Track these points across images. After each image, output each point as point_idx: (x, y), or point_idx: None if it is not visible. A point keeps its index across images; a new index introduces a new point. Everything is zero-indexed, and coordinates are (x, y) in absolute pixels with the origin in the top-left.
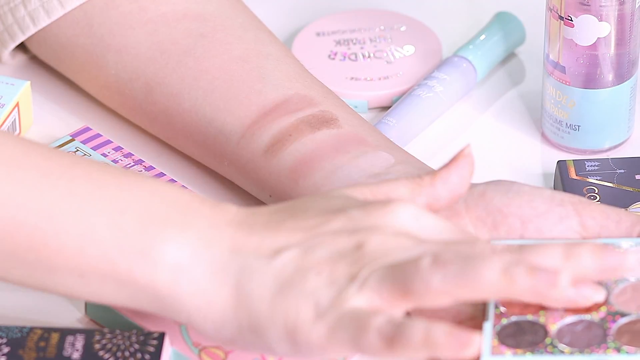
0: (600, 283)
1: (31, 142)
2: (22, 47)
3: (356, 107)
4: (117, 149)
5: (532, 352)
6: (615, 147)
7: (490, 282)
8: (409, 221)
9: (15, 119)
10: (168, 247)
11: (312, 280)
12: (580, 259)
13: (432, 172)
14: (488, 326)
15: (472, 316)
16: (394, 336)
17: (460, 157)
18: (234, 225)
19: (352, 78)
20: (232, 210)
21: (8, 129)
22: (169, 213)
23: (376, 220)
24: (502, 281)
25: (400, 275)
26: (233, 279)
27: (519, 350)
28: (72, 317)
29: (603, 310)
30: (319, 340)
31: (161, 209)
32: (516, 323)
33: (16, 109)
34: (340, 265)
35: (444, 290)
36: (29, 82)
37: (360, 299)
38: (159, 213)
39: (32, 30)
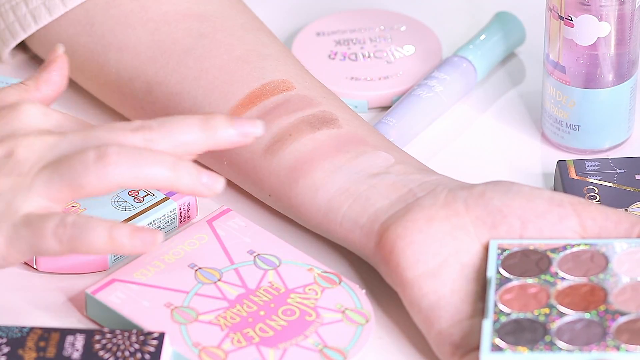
0: (599, 283)
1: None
2: (22, 46)
3: (356, 107)
4: None
5: (532, 349)
6: (615, 147)
7: (161, 178)
8: (41, 119)
9: None
10: None
11: None
12: (217, 130)
13: (34, 77)
14: (487, 324)
15: (471, 314)
16: (73, 237)
17: (55, 59)
18: None
19: (352, 78)
20: None
21: None
22: None
23: (12, 125)
24: (170, 174)
25: (68, 173)
26: None
27: (518, 348)
28: (72, 317)
29: (602, 309)
30: (0, 250)
31: None
32: (515, 321)
33: None
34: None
35: (118, 181)
36: None
37: (29, 205)
38: None
39: (33, 28)
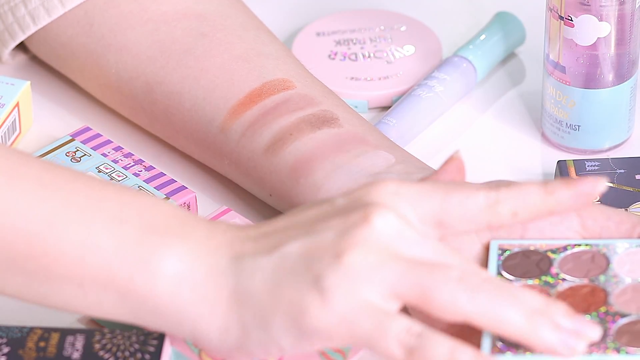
0: (599, 284)
1: (31, 156)
2: (22, 47)
3: (356, 107)
4: (117, 148)
5: (532, 352)
6: (615, 147)
7: (515, 325)
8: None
9: (15, 119)
10: (168, 256)
11: (319, 267)
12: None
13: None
14: None
15: None
16: (414, 348)
17: (450, 161)
18: (230, 233)
19: (352, 78)
20: (226, 224)
21: (8, 129)
22: (168, 224)
23: (368, 198)
24: (527, 327)
25: (426, 280)
26: (233, 281)
27: (519, 350)
28: (72, 317)
29: (603, 310)
30: (328, 328)
31: (161, 220)
32: None
33: (16, 109)
34: (343, 245)
35: (467, 312)
36: (29, 82)
37: (374, 292)
38: (159, 224)
39: (32, 29)
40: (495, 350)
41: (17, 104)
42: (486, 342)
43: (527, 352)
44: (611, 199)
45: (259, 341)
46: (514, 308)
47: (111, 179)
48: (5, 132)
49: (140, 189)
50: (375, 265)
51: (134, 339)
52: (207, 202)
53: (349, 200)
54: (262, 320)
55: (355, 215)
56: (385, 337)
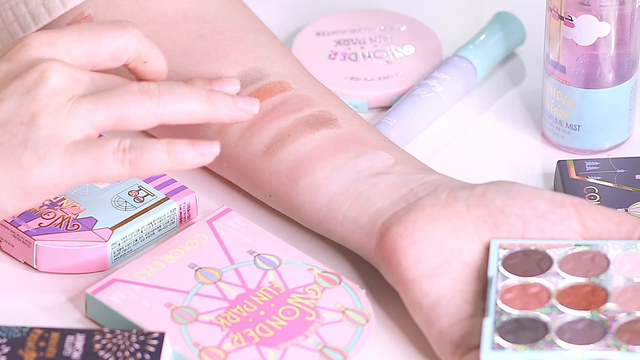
0: (600, 283)
1: None
2: None
3: (356, 107)
4: None
5: (532, 348)
6: (615, 147)
7: (199, 109)
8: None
9: None
10: None
11: (18, 131)
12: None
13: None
14: (488, 322)
15: (472, 314)
16: (134, 158)
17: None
18: None
19: (352, 78)
20: None
21: None
22: None
23: (31, 56)
24: (209, 108)
25: (115, 102)
26: None
27: (519, 347)
28: (72, 317)
29: (603, 309)
30: (52, 179)
31: None
32: (516, 319)
33: None
34: (34, 106)
35: (162, 114)
36: None
37: (75, 132)
38: None
39: (32, 29)
40: (495, 347)
41: None
42: (486, 339)
43: (527, 348)
44: (611, 199)
45: None
46: (194, 98)
47: None
48: None
49: (140, 188)
50: (68, 112)
51: (134, 339)
52: (207, 202)
53: (15, 63)
54: None
55: (30, 77)
56: (104, 161)
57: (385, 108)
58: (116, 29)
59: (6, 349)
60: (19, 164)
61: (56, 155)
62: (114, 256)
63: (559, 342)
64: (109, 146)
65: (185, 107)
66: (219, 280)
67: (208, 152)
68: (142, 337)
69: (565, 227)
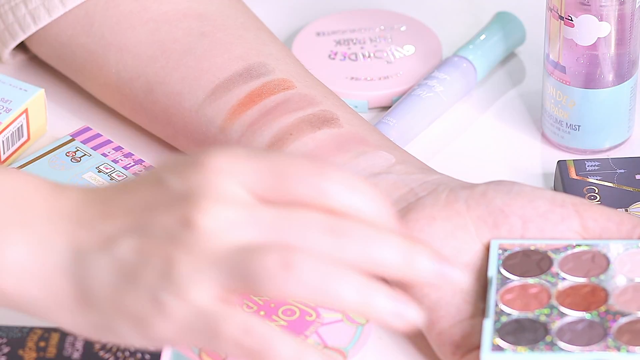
0: (600, 283)
1: None
2: (22, 47)
3: (356, 107)
4: (117, 149)
5: (532, 349)
6: (615, 147)
7: (350, 301)
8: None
9: (22, 125)
10: (10, 249)
11: (150, 274)
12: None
13: None
14: (488, 323)
15: (472, 314)
16: (254, 350)
17: None
18: (72, 218)
19: (352, 78)
20: (72, 197)
21: (12, 134)
22: (8, 213)
23: (198, 183)
24: (360, 300)
25: (250, 277)
26: (76, 280)
27: (519, 348)
28: None
29: (603, 309)
30: (168, 335)
31: (4, 210)
32: (516, 321)
33: (24, 115)
34: (172, 252)
35: (298, 295)
36: (42, 90)
37: (204, 296)
38: (2, 215)
39: (32, 29)
40: (495, 348)
41: (26, 111)
42: (486, 340)
43: (527, 350)
44: (611, 199)
45: (110, 339)
46: (343, 284)
47: (111, 179)
48: (8, 138)
49: None
50: (202, 268)
51: None
52: None
53: (181, 185)
54: (108, 326)
55: (183, 210)
56: (222, 341)
57: (385, 108)
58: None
59: (6, 349)
60: (141, 311)
61: (177, 316)
62: None
63: (559, 343)
64: (231, 324)
65: (330, 290)
66: None
67: None
68: None
69: (565, 227)
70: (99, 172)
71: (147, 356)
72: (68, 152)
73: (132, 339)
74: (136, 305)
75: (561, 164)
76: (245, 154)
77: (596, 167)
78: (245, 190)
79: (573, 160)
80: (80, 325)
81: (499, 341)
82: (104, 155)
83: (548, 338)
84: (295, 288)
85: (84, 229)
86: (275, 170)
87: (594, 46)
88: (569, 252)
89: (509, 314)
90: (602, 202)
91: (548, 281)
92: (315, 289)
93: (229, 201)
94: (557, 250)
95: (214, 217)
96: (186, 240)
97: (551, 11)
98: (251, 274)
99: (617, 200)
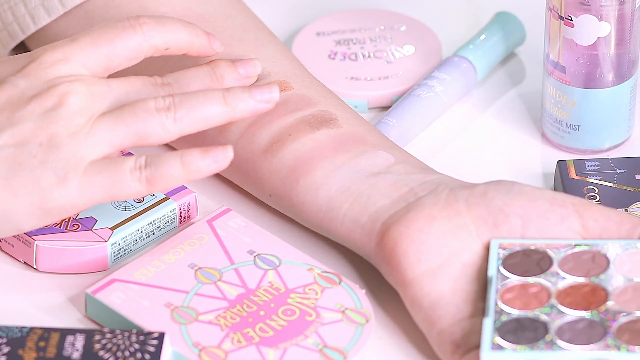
0: (600, 283)
1: None
2: (22, 47)
3: (356, 107)
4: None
5: (532, 348)
6: (615, 147)
7: (217, 113)
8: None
9: None
10: None
11: (37, 151)
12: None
13: None
14: (488, 322)
15: (472, 314)
16: (150, 176)
17: None
18: None
19: (352, 78)
20: None
21: None
22: None
23: (49, 75)
24: (228, 109)
25: (133, 121)
26: None
27: (519, 347)
28: (72, 317)
29: (603, 309)
30: (71, 200)
31: None
32: (517, 319)
33: None
34: (53, 128)
35: (180, 128)
36: None
37: (93, 153)
38: None
39: (32, 29)
40: (495, 347)
41: None
42: (486, 339)
43: (527, 348)
44: (611, 199)
45: (5, 230)
46: (210, 104)
47: None
48: None
49: None
50: (87, 133)
51: (134, 339)
52: (207, 202)
53: (32, 81)
54: (4, 214)
55: (50, 98)
56: (122, 180)
57: (385, 108)
58: (126, 30)
59: (6, 349)
60: (38, 185)
61: (75, 177)
62: (114, 256)
63: (559, 342)
64: (126, 165)
65: (202, 114)
66: (219, 280)
67: (222, 157)
68: (142, 337)
69: (565, 226)
70: None
71: (147, 356)
72: None
73: (27, 222)
74: (31, 180)
75: (561, 164)
76: (69, 40)
77: (596, 167)
78: (85, 69)
79: (573, 160)
80: None
81: (499, 340)
82: None
83: (548, 337)
84: (173, 124)
85: None
86: (99, 43)
87: (593, 46)
88: (569, 251)
89: (509, 313)
90: (602, 202)
91: (548, 280)
92: (189, 116)
93: (84, 80)
94: (557, 250)
95: (77, 91)
96: (60, 116)
97: (551, 11)
98: (135, 119)
99: (617, 200)
